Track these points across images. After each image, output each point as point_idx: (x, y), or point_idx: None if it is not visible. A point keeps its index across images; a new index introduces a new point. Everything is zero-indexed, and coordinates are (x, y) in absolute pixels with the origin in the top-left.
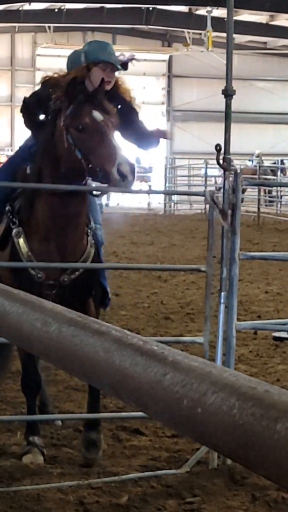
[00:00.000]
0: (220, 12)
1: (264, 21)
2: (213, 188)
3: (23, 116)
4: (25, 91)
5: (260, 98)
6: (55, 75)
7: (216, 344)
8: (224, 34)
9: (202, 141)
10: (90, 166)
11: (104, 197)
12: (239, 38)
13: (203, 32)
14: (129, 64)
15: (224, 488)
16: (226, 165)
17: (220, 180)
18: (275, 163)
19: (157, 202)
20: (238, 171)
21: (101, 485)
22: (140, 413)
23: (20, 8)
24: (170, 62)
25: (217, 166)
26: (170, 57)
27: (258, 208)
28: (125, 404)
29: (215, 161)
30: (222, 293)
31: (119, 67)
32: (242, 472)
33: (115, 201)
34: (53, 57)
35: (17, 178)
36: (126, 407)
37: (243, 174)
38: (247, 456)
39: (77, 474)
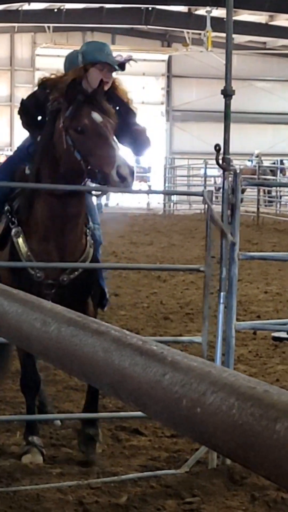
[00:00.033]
0: (219, 12)
1: (263, 21)
2: (212, 188)
3: (21, 117)
4: (24, 91)
5: (259, 98)
6: (52, 76)
7: (215, 344)
8: (224, 34)
9: (202, 141)
10: (89, 167)
11: (104, 197)
12: (239, 38)
13: (202, 32)
14: (129, 64)
15: (223, 488)
16: (225, 165)
17: (219, 180)
18: (274, 163)
19: (157, 202)
20: (238, 171)
21: (100, 485)
22: (139, 413)
23: (20, 8)
24: (169, 62)
25: (217, 166)
26: (170, 57)
27: (258, 208)
28: (124, 404)
29: (214, 161)
30: (222, 293)
31: (117, 67)
32: (241, 472)
33: (115, 201)
34: (52, 57)
35: (15, 178)
36: (126, 407)
37: (242, 174)
38: (246, 456)
39: (77, 474)
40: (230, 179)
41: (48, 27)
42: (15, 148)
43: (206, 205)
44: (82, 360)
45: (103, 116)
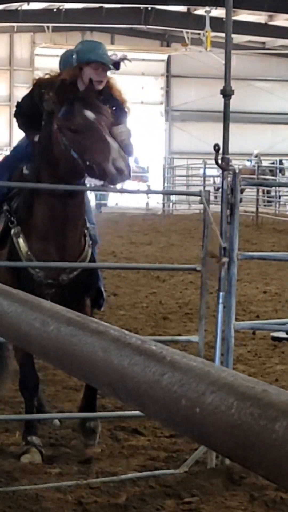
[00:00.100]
0: (218, 12)
1: (262, 21)
2: (211, 188)
3: (17, 119)
4: (23, 91)
5: (258, 98)
6: (46, 76)
7: (214, 344)
8: (223, 34)
9: (201, 141)
10: (87, 164)
11: (103, 197)
12: (238, 38)
13: (201, 32)
14: (123, 63)
15: (222, 488)
16: (224, 165)
17: (218, 180)
18: (273, 163)
19: (156, 202)
20: (237, 171)
21: (99, 485)
22: (138, 412)
23: (19, 8)
24: (168, 62)
25: (216, 166)
26: (169, 57)
27: (257, 208)
28: (123, 404)
29: (213, 161)
30: (221, 293)
31: (111, 66)
32: (240, 472)
33: (114, 201)
34: (51, 57)
35: (13, 178)
36: (125, 407)
37: (241, 174)
38: (245, 455)
39: (76, 474)
40: (229, 179)
41: (47, 27)
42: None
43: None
44: (81, 360)
45: (96, 113)
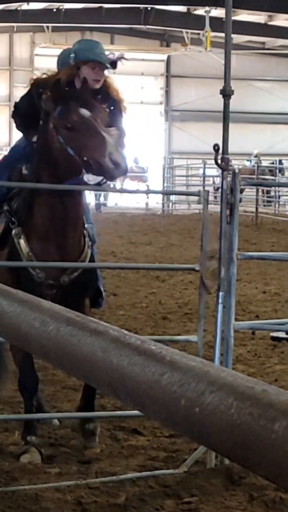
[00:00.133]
0: (218, 12)
1: (262, 21)
2: (211, 188)
3: (15, 120)
4: (23, 91)
5: (258, 98)
6: (43, 76)
7: (214, 344)
8: (223, 34)
9: (200, 141)
10: (84, 159)
11: (102, 197)
12: (237, 38)
13: (201, 32)
14: (121, 62)
15: (221, 488)
16: (224, 165)
17: (218, 180)
18: (273, 163)
19: (155, 202)
20: (236, 171)
21: (99, 485)
22: (138, 412)
23: (19, 8)
24: (168, 62)
25: (215, 166)
26: (168, 57)
27: (256, 208)
28: (123, 403)
29: (213, 161)
30: (220, 293)
31: (108, 66)
32: (240, 472)
33: (113, 201)
34: (51, 57)
35: (12, 178)
36: (124, 407)
37: (241, 174)
38: (244, 455)
39: (75, 473)
40: (228, 179)
41: (47, 27)
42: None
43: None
44: (81, 360)
45: (91, 111)
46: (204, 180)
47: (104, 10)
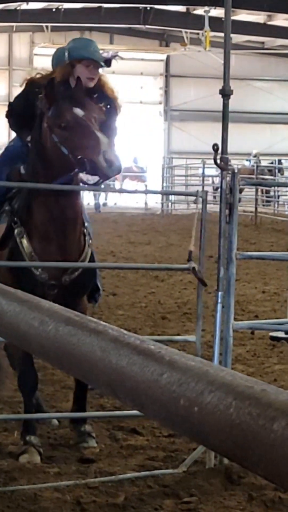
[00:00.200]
0: (217, 12)
1: (261, 21)
2: (210, 188)
3: (10, 120)
4: None
5: (257, 98)
6: (37, 75)
7: (213, 344)
8: (222, 34)
9: (200, 140)
10: (78, 158)
11: (102, 196)
12: (237, 38)
13: (200, 32)
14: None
15: (221, 488)
16: (223, 165)
17: (217, 180)
18: (272, 163)
19: (155, 202)
20: (236, 170)
21: (98, 484)
22: (137, 412)
23: (18, 8)
24: (167, 62)
25: (215, 165)
26: (168, 57)
27: (256, 208)
28: (122, 403)
29: (212, 161)
30: (219, 293)
31: (102, 64)
32: (239, 471)
33: (113, 201)
34: (50, 56)
35: (12, 178)
36: (123, 407)
37: (240, 174)
38: (244, 455)
39: (74, 473)
40: (228, 178)
41: (46, 26)
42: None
43: (200, 205)
44: (80, 359)
45: (85, 110)
46: (203, 180)
47: (104, 10)
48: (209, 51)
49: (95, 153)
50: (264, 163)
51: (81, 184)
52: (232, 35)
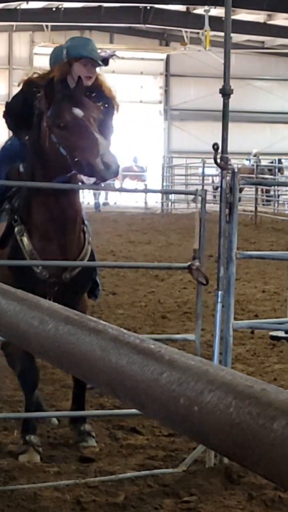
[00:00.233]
0: (217, 11)
1: (262, 20)
2: (210, 187)
3: (7, 120)
4: None
5: (257, 97)
6: (35, 75)
7: (213, 343)
8: (222, 33)
9: (200, 140)
10: (75, 160)
11: (102, 196)
12: (237, 37)
13: (200, 31)
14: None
15: (221, 487)
16: (223, 164)
17: (217, 179)
18: (272, 162)
19: (154, 201)
20: (236, 170)
21: (97, 484)
22: (136, 411)
23: (18, 7)
24: (167, 61)
25: (215, 165)
26: (168, 56)
27: (256, 207)
28: (122, 402)
29: (212, 160)
30: (219, 292)
31: (100, 62)
32: (239, 471)
33: (113, 200)
34: None
35: (10, 177)
36: (123, 406)
37: (240, 173)
38: (243, 454)
39: (74, 473)
40: (228, 178)
41: (46, 26)
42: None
43: (200, 204)
44: (80, 359)
45: (85, 110)
46: (203, 179)
47: (104, 9)
48: (209, 51)
49: (93, 155)
50: (264, 162)
51: (80, 183)
52: (232, 35)
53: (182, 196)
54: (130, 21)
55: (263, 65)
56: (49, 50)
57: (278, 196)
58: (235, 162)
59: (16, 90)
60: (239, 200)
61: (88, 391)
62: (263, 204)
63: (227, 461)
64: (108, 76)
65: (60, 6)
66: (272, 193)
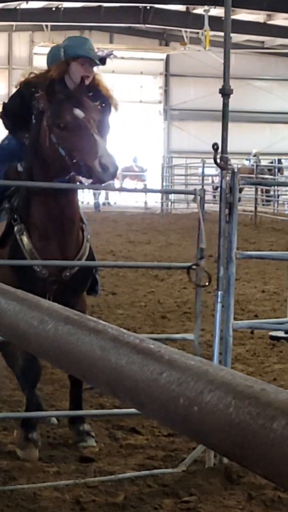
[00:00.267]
0: (217, 11)
1: (261, 20)
2: (210, 187)
3: (4, 120)
4: None
5: (257, 97)
6: (32, 75)
7: (213, 343)
8: (222, 33)
9: (200, 140)
10: (74, 161)
11: (103, 195)
12: (237, 37)
13: (200, 31)
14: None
15: (220, 487)
16: (223, 164)
17: (217, 179)
18: (272, 162)
19: (154, 201)
20: (235, 170)
21: (97, 484)
22: (136, 410)
23: (18, 7)
24: (167, 61)
25: (215, 165)
26: (168, 56)
27: (255, 207)
28: (121, 402)
29: (212, 160)
30: (219, 292)
31: (97, 62)
32: (238, 471)
33: (112, 200)
34: None
35: (8, 176)
36: (123, 406)
37: (240, 173)
38: (243, 454)
39: (73, 473)
40: (227, 178)
41: (46, 26)
42: None
43: (199, 203)
44: (79, 359)
45: (85, 111)
46: (203, 179)
47: (103, 9)
48: (209, 51)
49: (91, 157)
50: (264, 162)
51: (78, 183)
52: (232, 35)
53: (182, 196)
54: (130, 21)
55: (262, 65)
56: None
57: (278, 196)
58: (235, 162)
59: (15, 89)
60: (239, 200)
61: (88, 391)
62: (263, 204)
63: (227, 461)
64: (108, 76)
65: (59, 6)
66: (272, 193)
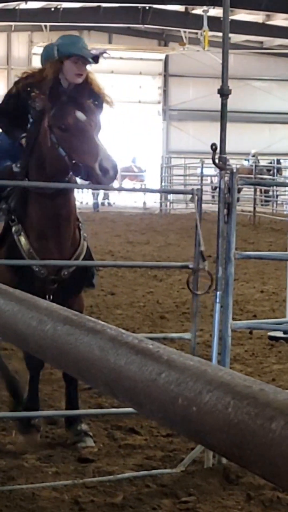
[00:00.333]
0: (216, 12)
1: (260, 21)
2: (209, 188)
3: (1, 120)
4: None
5: (256, 97)
6: (25, 75)
7: (211, 343)
8: (220, 34)
9: (198, 140)
10: (73, 162)
11: (102, 196)
12: (235, 38)
13: (199, 31)
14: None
15: (219, 488)
16: (222, 165)
17: (216, 180)
18: (271, 162)
19: (153, 201)
20: (234, 170)
21: (96, 484)
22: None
23: (17, 7)
24: (166, 61)
25: (213, 165)
26: (166, 56)
27: (254, 208)
28: (120, 403)
29: (211, 161)
30: (218, 293)
31: (91, 60)
32: (237, 471)
33: (111, 200)
34: None
35: (3, 176)
36: (122, 406)
37: (239, 174)
38: (242, 454)
39: (72, 473)
40: (226, 178)
41: (45, 26)
42: None
43: (197, 203)
44: (78, 359)
45: (87, 114)
46: (201, 180)
47: (102, 9)
48: (208, 51)
49: (91, 160)
50: (262, 162)
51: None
52: (230, 35)
53: (181, 196)
54: (128, 21)
55: (261, 65)
56: None
57: (277, 196)
58: (234, 163)
59: None
60: (238, 201)
61: (87, 391)
62: (262, 205)
63: (226, 461)
64: (106, 76)
65: (58, 6)
66: (270, 193)
